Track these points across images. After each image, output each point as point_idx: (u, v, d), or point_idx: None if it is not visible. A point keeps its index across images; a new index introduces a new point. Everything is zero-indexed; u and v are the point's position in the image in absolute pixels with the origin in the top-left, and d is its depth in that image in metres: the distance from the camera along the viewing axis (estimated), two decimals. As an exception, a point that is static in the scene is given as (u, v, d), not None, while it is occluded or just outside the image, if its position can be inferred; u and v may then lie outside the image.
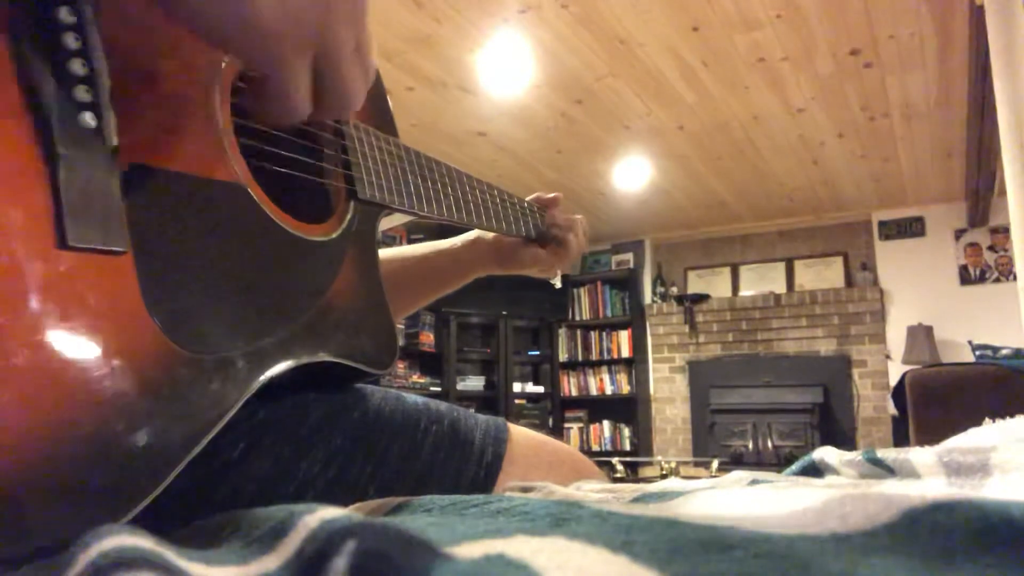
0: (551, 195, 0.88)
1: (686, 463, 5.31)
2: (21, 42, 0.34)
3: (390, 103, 0.66)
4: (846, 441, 4.93)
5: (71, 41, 0.35)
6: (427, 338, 5.35)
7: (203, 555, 0.25)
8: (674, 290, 5.97)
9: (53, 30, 0.35)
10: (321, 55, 0.41)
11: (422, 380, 5.27)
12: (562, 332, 6.16)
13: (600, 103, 3.73)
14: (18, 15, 0.34)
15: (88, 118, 0.36)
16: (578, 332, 6.15)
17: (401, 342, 5.05)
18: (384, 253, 0.63)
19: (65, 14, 0.35)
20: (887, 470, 0.43)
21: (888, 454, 0.43)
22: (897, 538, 0.22)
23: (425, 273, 0.83)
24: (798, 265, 5.62)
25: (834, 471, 0.47)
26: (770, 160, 4.45)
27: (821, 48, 3.18)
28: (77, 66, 0.35)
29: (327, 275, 0.52)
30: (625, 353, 5.92)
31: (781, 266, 5.66)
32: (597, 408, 6.04)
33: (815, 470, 0.49)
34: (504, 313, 5.63)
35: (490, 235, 0.83)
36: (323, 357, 0.49)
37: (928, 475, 0.38)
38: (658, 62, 3.31)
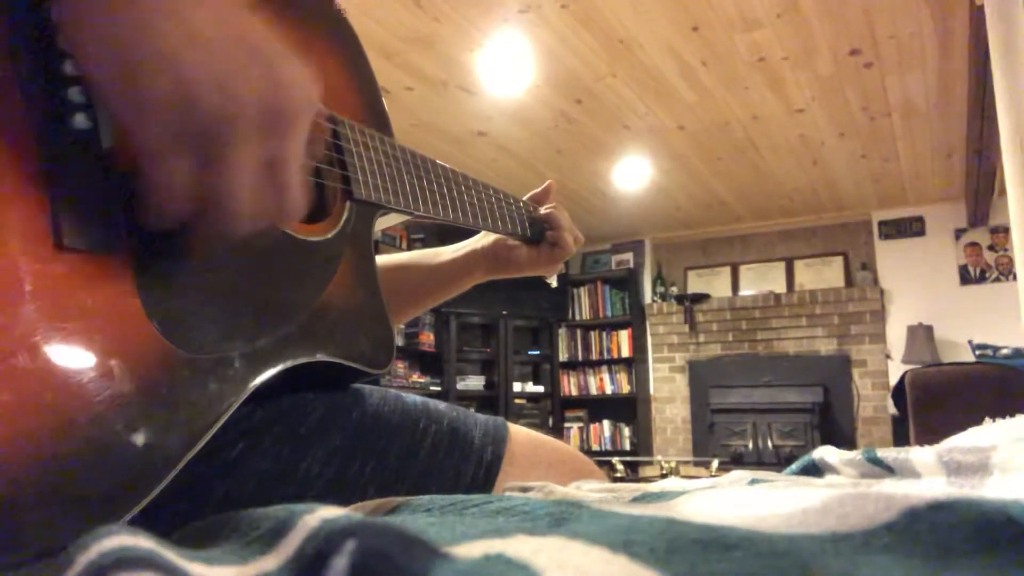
0: (542, 186, 0.87)
1: (686, 463, 5.31)
2: (14, 44, 0.34)
3: (385, 103, 0.66)
4: (846, 441, 4.93)
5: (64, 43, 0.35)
6: (427, 338, 5.35)
7: (203, 555, 0.25)
8: (674, 290, 5.97)
9: (46, 32, 0.35)
10: (215, 156, 0.34)
11: (422, 380, 5.27)
12: (562, 332, 6.16)
13: (600, 103, 3.73)
14: (11, 18, 0.34)
15: (82, 119, 0.35)
16: (578, 332, 6.15)
17: (401, 342, 5.05)
18: (379, 260, 0.63)
19: (58, 16, 0.35)
20: (887, 470, 0.43)
21: (888, 454, 0.43)
22: (897, 537, 0.21)
23: (420, 280, 0.83)
24: (798, 265, 5.62)
25: (834, 471, 0.47)
26: (770, 160, 4.45)
27: (821, 48, 3.18)
28: (70, 67, 0.35)
29: (324, 275, 0.52)
30: (625, 353, 5.92)
31: (781, 266, 5.66)
32: (597, 408, 6.04)
33: (815, 470, 0.49)
34: (504, 313, 5.63)
35: (487, 244, 0.83)
36: (321, 357, 0.49)
37: (928, 475, 0.38)
38: (658, 62, 3.31)
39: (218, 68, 0.33)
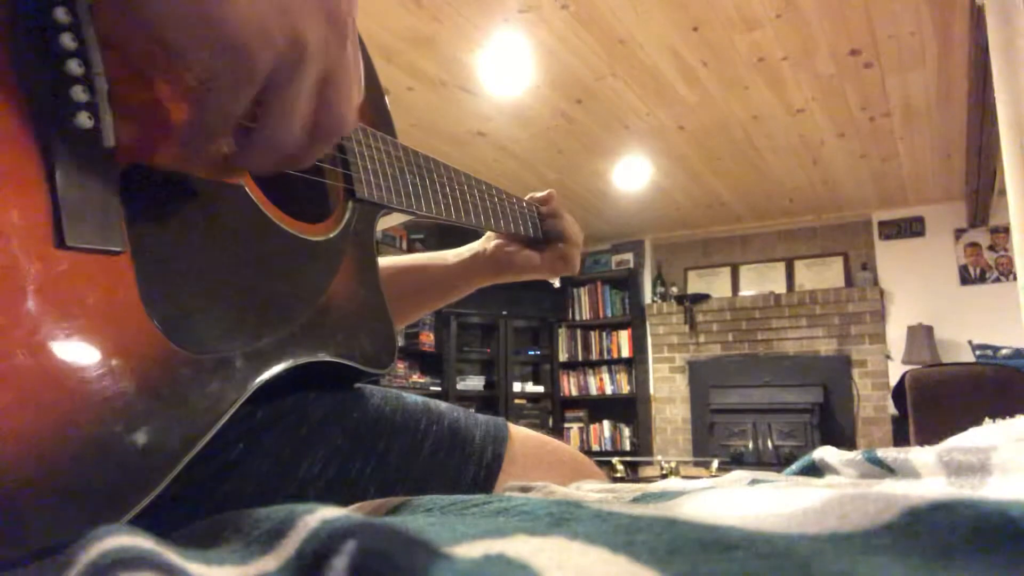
0: (543, 193, 0.87)
1: (686, 463, 5.31)
2: (18, 42, 0.34)
3: (388, 103, 0.66)
4: (846, 441, 4.93)
5: (68, 41, 0.35)
6: (427, 338, 5.35)
7: (203, 555, 0.25)
8: (674, 290, 5.97)
9: (50, 30, 0.35)
10: (272, 84, 0.36)
11: (422, 380, 5.27)
12: (562, 332, 6.16)
13: (600, 103, 3.73)
14: (15, 15, 0.34)
15: (85, 118, 0.35)
16: (578, 332, 6.15)
17: (401, 342, 5.05)
18: (381, 263, 0.63)
19: (62, 14, 0.35)
20: (887, 470, 0.43)
21: (888, 454, 0.43)
22: (897, 538, 0.21)
23: (423, 284, 0.83)
24: (798, 265, 5.62)
25: (834, 471, 0.47)
26: (770, 160, 4.45)
27: (821, 48, 3.18)
28: (74, 66, 0.35)
29: (326, 275, 0.52)
30: (625, 353, 5.92)
31: (781, 266, 5.66)
32: (597, 408, 6.04)
33: (815, 470, 0.49)
34: (504, 313, 5.63)
35: (489, 248, 0.82)
36: (322, 357, 0.49)
37: (928, 475, 0.38)
38: (658, 62, 3.31)
39: None
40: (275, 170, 0.41)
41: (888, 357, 5.06)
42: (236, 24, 0.33)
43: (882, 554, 0.21)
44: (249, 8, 0.33)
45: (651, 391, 5.87)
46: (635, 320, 5.93)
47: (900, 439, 4.60)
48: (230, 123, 0.37)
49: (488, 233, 0.83)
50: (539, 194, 0.86)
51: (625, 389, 5.92)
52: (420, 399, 0.64)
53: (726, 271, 5.87)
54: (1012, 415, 0.48)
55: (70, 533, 0.27)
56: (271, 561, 0.25)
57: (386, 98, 0.66)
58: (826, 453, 0.49)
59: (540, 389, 6.02)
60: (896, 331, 5.06)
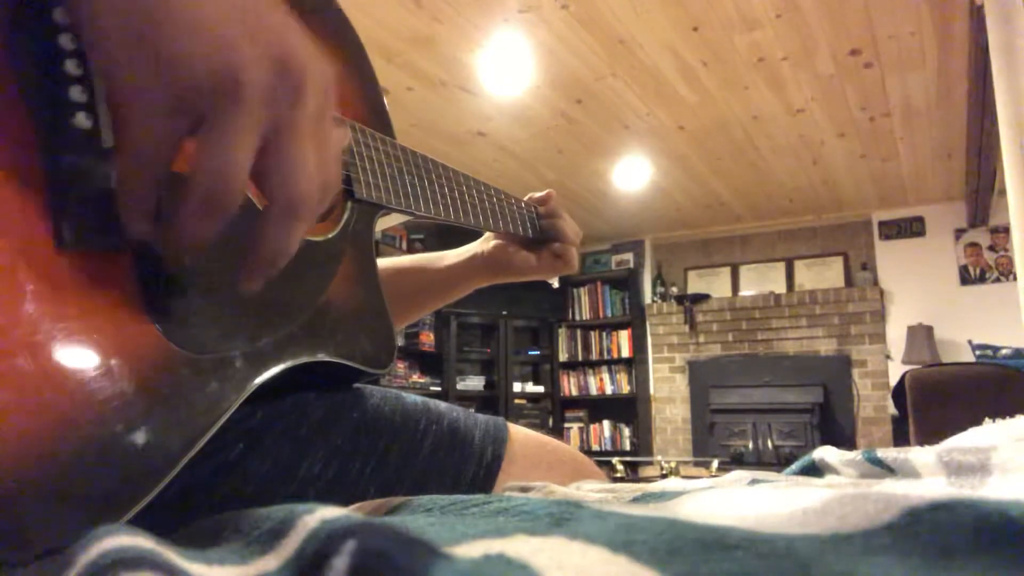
0: (542, 193, 0.87)
1: (686, 463, 5.31)
2: (16, 42, 0.34)
3: (386, 103, 0.66)
4: (846, 441, 4.93)
5: (66, 42, 0.35)
6: (427, 338, 5.35)
7: (203, 555, 0.25)
8: (674, 290, 5.97)
9: (48, 31, 0.35)
10: (273, 121, 0.33)
11: (422, 380, 5.27)
12: (562, 332, 6.16)
13: (600, 103, 3.73)
14: (13, 16, 0.34)
15: (83, 118, 0.35)
16: (578, 332, 6.15)
17: (401, 342, 5.05)
18: (380, 263, 0.63)
19: (60, 15, 0.35)
20: (887, 470, 0.43)
21: (888, 454, 0.43)
22: (897, 538, 0.21)
23: (421, 284, 0.83)
24: (798, 265, 5.62)
25: (834, 471, 0.47)
26: (770, 160, 4.45)
27: (821, 48, 3.18)
28: (72, 66, 0.35)
29: (325, 275, 0.52)
30: (625, 353, 5.92)
31: (781, 266, 5.66)
32: (597, 408, 6.04)
33: (815, 470, 0.49)
34: (504, 313, 5.63)
35: (488, 249, 0.82)
36: (322, 357, 0.49)
37: (928, 475, 0.38)
38: (658, 62, 3.31)
39: (225, 27, 0.31)
40: (212, 244, 0.35)
41: (888, 357, 5.06)
42: (171, 37, 0.31)
43: (882, 554, 0.21)
44: (190, 30, 0.31)
45: (651, 391, 5.87)
46: (635, 320, 5.93)
47: (900, 439, 4.60)
48: (244, 172, 0.33)
49: (487, 234, 0.83)
50: (538, 194, 0.86)
51: (625, 389, 5.92)
52: (419, 399, 0.64)
53: (726, 271, 5.87)
54: (1012, 415, 0.48)
55: (70, 533, 0.27)
56: (271, 561, 0.25)
57: (384, 99, 0.66)
58: (826, 453, 0.49)
59: (540, 389, 6.02)
60: (896, 331, 5.06)
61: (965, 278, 4.99)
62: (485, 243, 0.83)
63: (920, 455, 0.39)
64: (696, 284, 5.95)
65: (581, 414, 6.07)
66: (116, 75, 0.32)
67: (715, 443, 5.35)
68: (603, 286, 6.10)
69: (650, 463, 5.51)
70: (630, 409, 5.86)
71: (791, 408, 5.15)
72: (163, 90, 0.31)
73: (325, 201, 0.36)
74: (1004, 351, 3.06)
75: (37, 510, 0.30)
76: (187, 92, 0.31)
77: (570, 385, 6.12)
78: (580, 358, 6.12)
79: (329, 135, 0.36)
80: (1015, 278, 2.34)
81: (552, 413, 5.97)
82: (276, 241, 0.35)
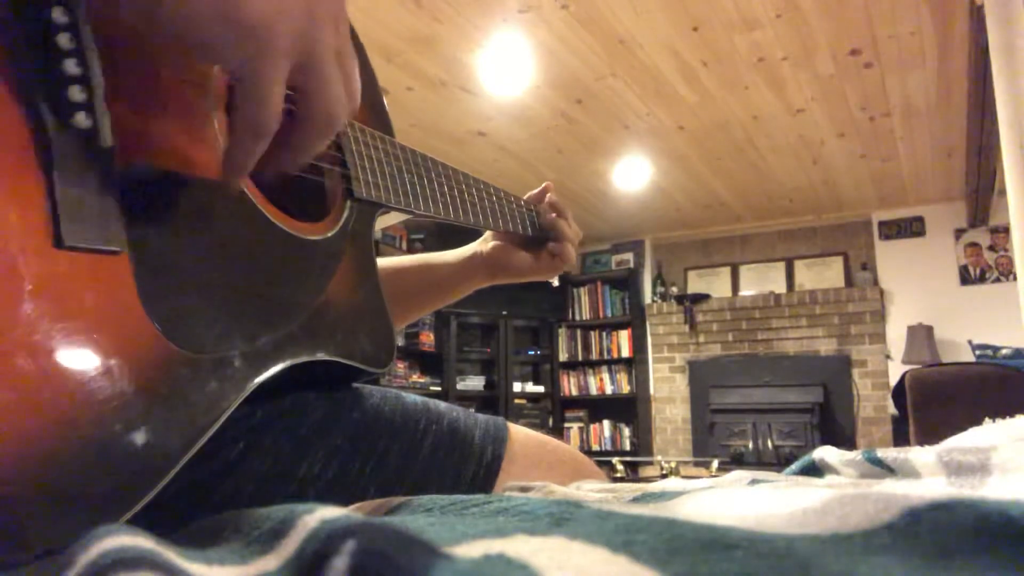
0: (539, 188, 0.87)
1: (686, 463, 5.31)
2: (14, 42, 0.34)
3: (386, 102, 0.66)
4: (846, 441, 4.93)
5: (65, 41, 0.35)
6: (427, 338, 5.35)
7: (203, 555, 0.25)
8: (674, 290, 5.97)
9: (47, 30, 0.35)
10: (303, 56, 0.38)
11: (422, 380, 5.27)
12: (562, 332, 6.16)
13: (600, 103, 3.73)
14: (11, 16, 0.34)
15: (82, 118, 0.35)
16: (578, 332, 6.15)
17: (401, 342, 5.05)
18: (379, 263, 0.63)
19: (59, 14, 0.35)
20: (887, 470, 0.43)
21: (888, 454, 0.43)
22: (897, 538, 0.21)
23: (421, 284, 0.83)
24: (798, 265, 5.62)
25: (834, 471, 0.47)
26: (770, 160, 4.45)
27: (821, 48, 3.18)
28: (71, 66, 0.35)
29: (324, 274, 0.52)
30: (625, 353, 5.92)
31: (781, 266, 5.66)
32: (597, 408, 6.04)
33: (815, 470, 0.49)
34: (504, 313, 5.63)
35: (487, 249, 0.82)
36: (321, 356, 0.49)
37: (928, 475, 0.38)
38: (658, 62, 3.31)
39: None
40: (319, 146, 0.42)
41: (888, 357, 5.06)
42: (250, 6, 0.35)
43: (882, 554, 0.21)
44: None
45: (651, 391, 5.87)
46: (635, 320, 5.93)
47: (900, 439, 4.60)
48: (280, 103, 0.38)
49: (487, 234, 0.83)
50: (536, 190, 0.86)
51: (625, 389, 5.92)
52: (419, 399, 0.64)
53: (726, 271, 5.87)
54: (1012, 415, 0.48)
55: (70, 533, 0.27)
56: (271, 561, 0.25)
57: (384, 99, 0.66)
58: (826, 453, 0.49)
59: (540, 389, 6.02)
60: (896, 331, 5.06)
61: (965, 278, 4.99)
62: (484, 243, 0.83)
63: (920, 455, 0.39)
64: (696, 284, 5.95)
65: (581, 414, 6.07)
66: (215, 46, 0.36)
67: (715, 443, 5.35)
68: (603, 286, 6.10)
69: (650, 463, 5.52)
70: (630, 409, 5.86)
71: (791, 408, 5.15)
72: (263, 41, 0.36)
73: (353, 110, 0.43)
74: (1004, 351, 3.06)
75: (37, 510, 0.30)
76: (277, 36, 0.36)
77: (570, 385, 6.12)
78: (580, 358, 6.12)
79: (347, 58, 0.42)
80: (1015, 278, 2.34)
81: (552, 413, 5.97)
82: (311, 142, 0.42)
